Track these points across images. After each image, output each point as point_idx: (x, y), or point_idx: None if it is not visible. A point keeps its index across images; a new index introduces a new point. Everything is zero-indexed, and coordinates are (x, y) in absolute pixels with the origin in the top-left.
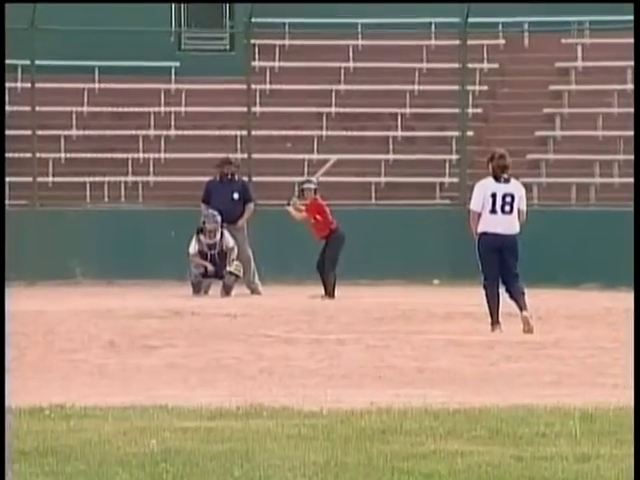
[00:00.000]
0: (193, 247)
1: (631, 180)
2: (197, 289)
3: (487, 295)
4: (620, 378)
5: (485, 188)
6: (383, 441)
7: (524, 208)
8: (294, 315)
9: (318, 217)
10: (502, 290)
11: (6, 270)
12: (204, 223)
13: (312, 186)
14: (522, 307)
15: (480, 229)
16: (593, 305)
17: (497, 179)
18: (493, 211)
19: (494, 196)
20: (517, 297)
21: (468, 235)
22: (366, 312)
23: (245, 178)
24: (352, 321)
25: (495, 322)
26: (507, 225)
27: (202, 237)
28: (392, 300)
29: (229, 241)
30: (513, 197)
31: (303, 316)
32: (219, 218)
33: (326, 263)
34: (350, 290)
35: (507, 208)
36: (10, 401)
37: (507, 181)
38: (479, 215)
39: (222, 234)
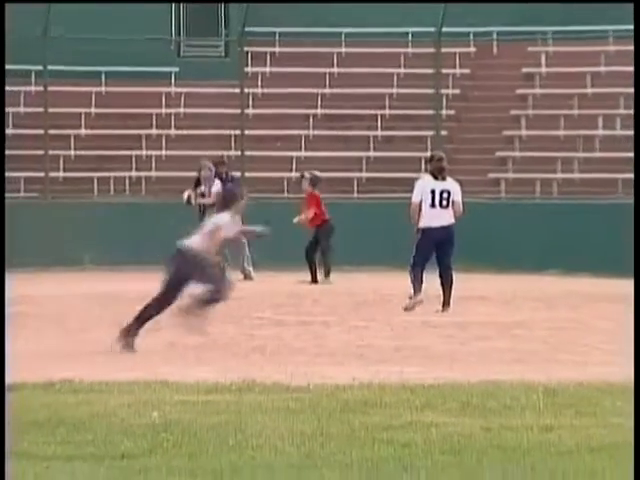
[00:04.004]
0: (186, 194)
1: (590, 175)
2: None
3: (413, 277)
4: (579, 356)
5: (425, 184)
6: (364, 413)
7: (459, 200)
8: (283, 299)
9: (315, 208)
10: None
11: (22, 256)
12: (200, 171)
13: (308, 175)
14: (446, 298)
15: (421, 224)
16: (555, 289)
17: (435, 177)
18: (432, 205)
19: (433, 192)
20: (445, 289)
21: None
22: (349, 296)
23: (238, 174)
24: (336, 304)
25: (417, 292)
26: (444, 218)
27: (198, 189)
28: (373, 285)
29: (219, 192)
30: (450, 193)
31: (292, 300)
32: (212, 167)
33: (322, 252)
34: (334, 276)
35: (444, 203)
36: (25, 377)
37: (444, 179)
38: (419, 207)
39: (220, 178)
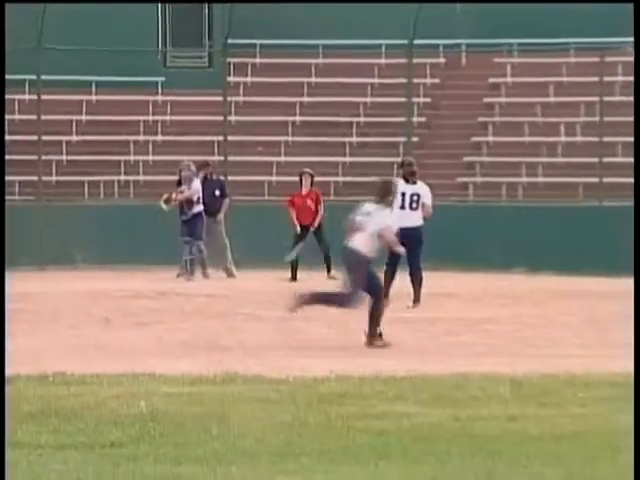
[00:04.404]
0: (163, 198)
1: (553, 180)
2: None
3: (385, 274)
4: (544, 349)
5: (396, 187)
6: (340, 404)
7: (429, 203)
8: (265, 296)
9: (313, 205)
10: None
11: (18, 256)
12: (180, 172)
13: (308, 170)
14: (416, 294)
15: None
16: (521, 286)
17: (406, 181)
18: (402, 207)
19: (403, 195)
20: (415, 285)
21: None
22: None
23: (222, 177)
24: None
25: (385, 296)
26: (412, 219)
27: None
28: None
29: (197, 189)
30: (419, 196)
31: (272, 296)
32: (194, 167)
33: (325, 249)
34: (314, 273)
35: (414, 205)
36: (20, 370)
37: (414, 183)
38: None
39: (205, 179)
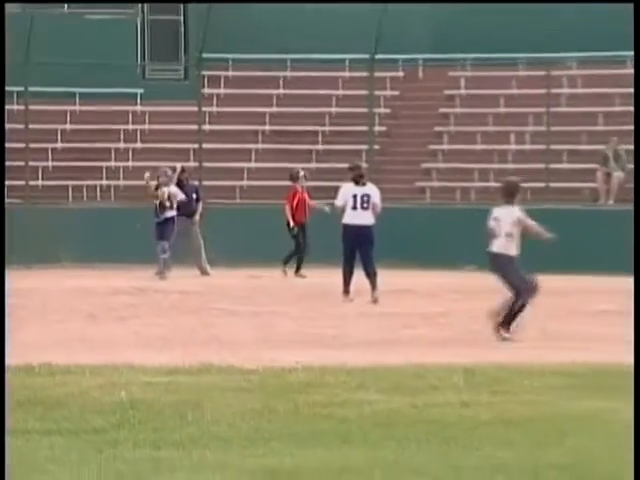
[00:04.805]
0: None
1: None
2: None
3: (343, 271)
4: (495, 341)
5: (347, 190)
6: (307, 392)
7: (378, 202)
8: (237, 292)
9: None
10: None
11: (7, 255)
12: (159, 178)
13: (302, 173)
14: (373, 285)
15: (344, 221)
16: (472, 283)
17: (357, 183)
18: (354, 207)
19: (355, 196)
20: (370, 278)
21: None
22: (295, 290)
23: (197, 182)
24: (283, 297)
25: (346, 292)
26: (363, 217)
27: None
28: (315, 280)
29: (176, 193)
30: (369, 196)
31: (244, 292)
32: (170, 172)
33: (308, 247)
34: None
35: (365, 205)
36: (8, 362)
37: (364, 184)
38: (343, 209)
39: (180, 183)
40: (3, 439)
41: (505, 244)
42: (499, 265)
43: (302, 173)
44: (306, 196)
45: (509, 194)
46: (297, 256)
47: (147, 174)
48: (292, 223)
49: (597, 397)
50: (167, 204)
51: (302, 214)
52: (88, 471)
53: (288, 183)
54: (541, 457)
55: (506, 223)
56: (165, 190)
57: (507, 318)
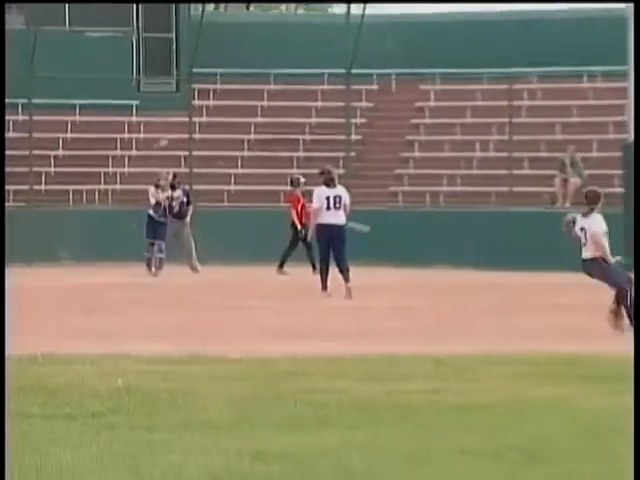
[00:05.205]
0: (152, 196)
1: (470, 189)
2: (149, 264)
3: (320, 269)
4: (463, 333)
5: (321, 193)
6: (289, 381)
7: (348, 203)
8: (225, 288)
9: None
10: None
11: (11, 254)
12: (159, 180)
13: (303, 180)
14: (346, 280)
15: (318, 221)
16: (443, 280)
17: (328, 186)
18: (328, 208)
19: (328, 198)
20: (343, 273)
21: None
22: (277, 286)
23: (187, 187)
24: (267, 293)
25: (324, 288)
26: (336, 217)
27: (158, 191)
28: (296, 278)
29: (178, 194)
30: (341, 197)
31: (232, 288)
32: (170, 176)
33: (292, 248)
34: (268, 270)
35: (337, 205)
36: (14, 351)
37: (335, 187)
38: (318, 211)
39: (173, 187)
40: (3, 423)
41: (593, 249)
42: (594, 269)
43: (302, 179)
44: (304, 200)
45: (593, 202)
46: (286, 253)
47: (170, 174)
48: (299, 226)
49: (555, 384)
50: (174, 204)
51: (304, 217)
52: (87, 452)
53: (271, 187)
54: (503, 439)
55: (589, 233)
56: (172, 193)
57: (627, 310)
